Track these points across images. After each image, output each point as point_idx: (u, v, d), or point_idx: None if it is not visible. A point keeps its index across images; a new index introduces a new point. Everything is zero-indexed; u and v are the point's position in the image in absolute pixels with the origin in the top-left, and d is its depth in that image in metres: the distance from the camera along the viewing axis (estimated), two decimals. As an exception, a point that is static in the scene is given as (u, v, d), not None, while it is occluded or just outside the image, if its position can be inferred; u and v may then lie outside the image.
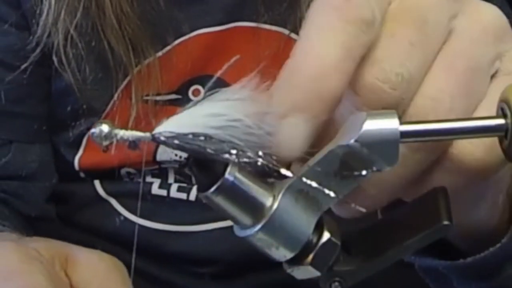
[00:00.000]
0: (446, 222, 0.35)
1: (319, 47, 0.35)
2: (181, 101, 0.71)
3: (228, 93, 0.35)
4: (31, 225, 0.75)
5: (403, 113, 0.36)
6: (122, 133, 0.34)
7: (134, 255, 0.74)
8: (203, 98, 0.35)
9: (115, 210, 0.75)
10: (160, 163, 0.73)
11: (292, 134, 0.34)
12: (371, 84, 0.35)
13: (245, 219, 0.35)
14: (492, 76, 0.38)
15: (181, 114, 0.34)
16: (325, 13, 0.35)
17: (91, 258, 0.52)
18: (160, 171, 0.74)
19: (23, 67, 0.70)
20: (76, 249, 0.53)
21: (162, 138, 0.34)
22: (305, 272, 0.36)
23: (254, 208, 0.35)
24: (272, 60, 0.70)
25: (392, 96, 0.35)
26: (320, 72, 0.34)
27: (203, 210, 0.73)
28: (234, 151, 0.34)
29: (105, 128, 0.34)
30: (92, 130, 0.34)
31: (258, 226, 0.35)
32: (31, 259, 0.48)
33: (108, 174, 0.74)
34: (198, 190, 0.35)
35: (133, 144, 0.33)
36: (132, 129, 0.33)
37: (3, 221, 0.69)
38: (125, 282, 0.51)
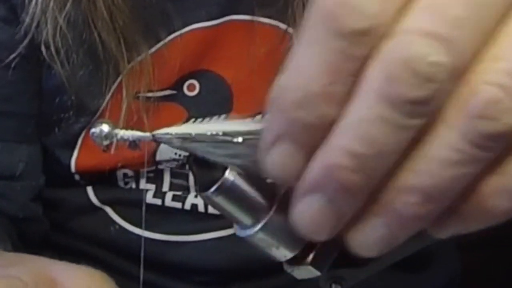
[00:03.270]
0: None
1: (303, 68, 0.30)
2: (176, 96, 0.71)
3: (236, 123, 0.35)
4: (18, 226, 0.73)
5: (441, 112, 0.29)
6: (122, 132, 0.34)
7: (130, 265, 0.74)
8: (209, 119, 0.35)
9: (110, 218, 0.75)
10: (158, 163, 0.73)
11: (282, 163, 0.31)
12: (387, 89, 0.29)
13: (245, 219, 0.35)
14: None
15: (182, 125, 0.34)
16: (314, 22, 0.30)
17: (79, 278, 0.49)
18: (156, 174, 0.74)
19: (11, 57, 0.68)
20: (62, 269, 0.49)
21: (163, 138, 0.34)
22: (305, 272, 0.36)
23: (254, 208, 0.35)
24: (268, 56, 0.69)
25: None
26: (303, 99, 0.30)
27: (199, 220, 0.73)
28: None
29: (105, 128, 0.34)
30: (92, 130, 0.34)
31: (258, 226, 0.35)
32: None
33: (104, 177, 0.73)
34: (198, 190, 0.35)
35: (133, 144, 0.33)
36: (132, 128, 0.33)
37: None
38: None
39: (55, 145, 0.74)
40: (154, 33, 0.69)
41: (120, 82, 0.69)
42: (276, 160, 0.31)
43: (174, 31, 0.70)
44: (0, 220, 0.72)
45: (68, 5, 0.66)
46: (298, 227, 0.32)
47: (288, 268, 0.36)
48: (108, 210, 0.75)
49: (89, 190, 0.75)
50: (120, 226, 0.75)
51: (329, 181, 0.30)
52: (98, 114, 0.71)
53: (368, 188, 0.30)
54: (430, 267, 0.80)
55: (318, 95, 0.29)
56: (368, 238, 0.32)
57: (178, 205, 0.73)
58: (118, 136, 0.34)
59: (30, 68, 0.71)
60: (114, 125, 0.34)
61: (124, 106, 0.69)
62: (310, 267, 0.35)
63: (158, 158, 0.72)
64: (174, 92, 0.71)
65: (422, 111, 0.29)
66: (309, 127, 0.30)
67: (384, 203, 0.31)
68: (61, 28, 0.67)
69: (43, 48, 0.68)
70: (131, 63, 0.68)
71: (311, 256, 0.35)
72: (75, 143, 0.72)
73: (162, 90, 0.70)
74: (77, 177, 0.74)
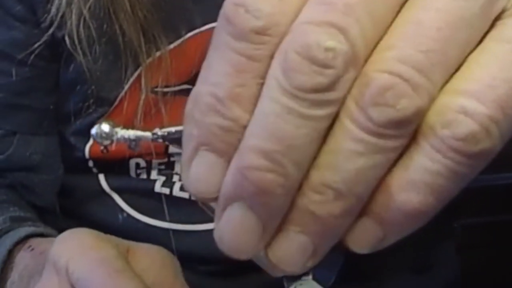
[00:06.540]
0: None
1: (211, 73, 0.30)
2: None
3: None
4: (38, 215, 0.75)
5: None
6: (122, 132, 0.34)
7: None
8: None
9: (118, 206, 0.76)
10: (170, 155, 0.74)
11: (204, 174, 0.30)
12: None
13: None
14: (496, 19, 0.29)
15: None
16: (218, 26, 0.30)
17: (150, 250, 0.52)
18: (167, 166, 0.74)
19: (28, 55, 0.71)
20: (136, 244, 0.53)
21: (162, 137, 0.34)
22: (308, 287, 0.34)
23: None
24: None
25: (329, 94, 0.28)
26: (214, 103, 0.29)
27: (206, 209, 0.73)
28: None
29: (105, 127, 0.34)
30: (93, 130, 0.34)
31: None
32: (103, 238, 0.50)
33: (117, 165, 0.75)
34: None
35: (134, 143, 0.33)
36: (133, 128, 0.34)
37: (25, 213, 0.70)
38: (177, 275, 0.52)
39: (71, 133, 0.75)
40: (174, 29, 0.70)
41: (139, 75, 0.70)
42: (198, 172, 0.30)
43: (194, 28, 0.70)
44: (30, 209, 0.73)
45: None
46: (222, 244, 0.31)
47: (289, 286, 0.35)
48: (116, 197, 0.76)
49: (101, 176, 0.76)
50: (128, 214, 0.75)
51: (245, 185, 0.29)
52: (115, 104, 0.72)
53: (286, 190, 0.29)
54: (430, 270, 0.80)
55: (227, 98, 0.29)
56: (289, 250, 0.30)
57: (185, 195, 0.74)
58: (119, 135, 0.34)
59: (45, 65, 0.73)
60: (115, 125, 0.34)
61: (142, 98, 0.70)
62: (313, 282, 0.34)
63: (170, 150, 0.73)
64: (191, 86, 0.71)
65: (324, 100, 0.28)
66: (224, 132, 0.29)
67: (300, 206, 0.29)
68: (85, 19, 0.68)
69: (66, 39, 0.69)
70: (150, 58, 0.69)
71: (313, 270, 0.33)
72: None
73: (179, 84, 0.71)
74: (90, 163, 0.75)
